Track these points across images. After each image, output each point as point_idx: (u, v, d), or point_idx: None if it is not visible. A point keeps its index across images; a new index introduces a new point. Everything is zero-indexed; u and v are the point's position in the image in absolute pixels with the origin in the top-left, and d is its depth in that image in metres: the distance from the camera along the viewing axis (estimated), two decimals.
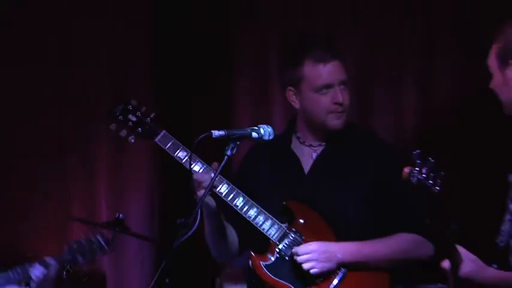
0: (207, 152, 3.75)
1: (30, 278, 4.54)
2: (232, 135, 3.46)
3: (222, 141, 3.45)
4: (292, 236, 3.80)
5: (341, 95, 3.83)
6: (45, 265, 4.52)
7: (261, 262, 3.81)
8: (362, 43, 5.36)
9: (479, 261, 3.21)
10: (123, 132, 3.91)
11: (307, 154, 3.92)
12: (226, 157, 3.41)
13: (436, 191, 2.98)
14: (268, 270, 3.79)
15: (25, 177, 5.76)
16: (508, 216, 3.31)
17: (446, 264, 3.17)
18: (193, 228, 3.31)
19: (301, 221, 3.83)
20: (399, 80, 5.33)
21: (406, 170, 2.98)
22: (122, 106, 3.93)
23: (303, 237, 3.78)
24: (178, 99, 5.81)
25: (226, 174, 3.75)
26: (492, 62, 3.31)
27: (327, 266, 3.73)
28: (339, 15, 5.42)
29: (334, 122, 3.78)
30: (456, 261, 3.16)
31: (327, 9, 5.46)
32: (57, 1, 5.91)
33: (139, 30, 5.80)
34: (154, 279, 3.37)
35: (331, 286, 3.75)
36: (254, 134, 3.50)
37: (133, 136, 3.92)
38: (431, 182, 2.98)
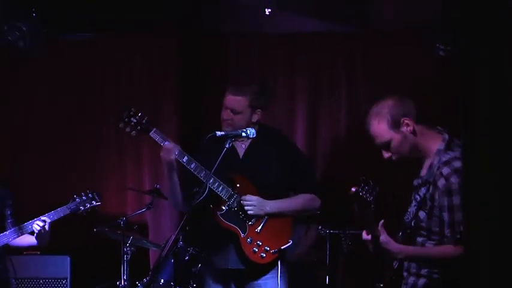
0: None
1: (33, 230, 5.16)
2: (229, 134, 4.34)
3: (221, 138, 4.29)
4: (235, 195, 4.60)
5: (225, 114, 4.64)
6: (42, 221, 5.15)
7: (217, 211, 4.61)
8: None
9: (390, 238, 3.77)
10: (128, 129, 4.60)
11: (240, 145, 4.73)
12: (225, 148, 4.25)
13: (369, 200, 3.70)
14: (221, 217, 4.61)
15: (92, 157, 6.92)
16: (413, 203, 3.89)
17: (367, 236, 3.83)
18: (204, 195, 4.30)
19: (238, 185, 4.62)
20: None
21: (353, 189, 3.69)
22: (127, 112, 4.61)
23: (241, 196, 4.62)
24: (193, 108, 6.79)
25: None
26: (383, 130, 3.80)
27: (258, 210, 4.62)
28: None
29: (225, 128, 4.59)
30: (376, 233, 3.78)
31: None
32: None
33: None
34: (179, 227, 4.23)
35: (257, 229, 4.63)
36: (243, 134, 4.39)
37: (134, 132, 4.61)
38: (367, 195, 3.70)
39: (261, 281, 4.67)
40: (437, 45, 5.47)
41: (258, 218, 4.64)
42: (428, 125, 3.83)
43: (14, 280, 5.58)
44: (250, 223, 4.64)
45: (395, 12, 5.76)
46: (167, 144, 4.54)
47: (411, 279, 3.87)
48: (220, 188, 4.58)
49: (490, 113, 2.44)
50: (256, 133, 4.46)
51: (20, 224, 5.21)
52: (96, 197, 5.33)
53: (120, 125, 4.63)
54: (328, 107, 6.82)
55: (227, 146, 4.26)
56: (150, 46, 6.95)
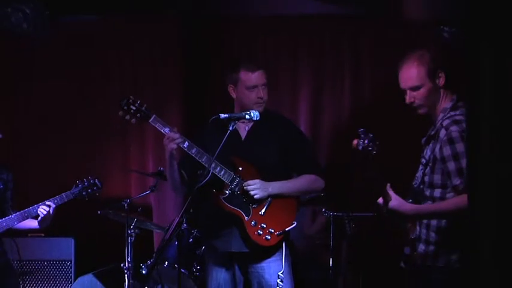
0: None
1: (37, 214, 5.25)
2: (233, 117, 4.34)
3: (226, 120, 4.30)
4: (237, 179, 4.60)
5: (262, 93, 4.67)
6: (47, 205, 5.24)
7: (220, 196, 4.61)
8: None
9: (401, 199, 3.83)
10: (128, 117, 4.60)
11: (242, 128, 4.74)
12: (229, 131, 4.23)
13: (373, 153, 3.71)
14: (225, 201, 4.62)
15: (95, 140, 6.93)
16: (420, 167, 3.97)
17: (380, 200, 3.86)
18: (207, 177, 4.29)
19: (240, 168, 4.64)
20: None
21: (355, 141, 3.72)
22: (126, 100, 4.60)
23: (244, 180, 4.62)
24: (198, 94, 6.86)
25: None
26: (420, 75, 3.86)
27: (263, 193, 4.61)
28: None
29: (258, 109, 4.56)
30: (386, 199, 3.82)
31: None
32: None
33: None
34: (183, 209, 4.20)
35: (261, 211, 4.63)
36: (247, 116, 4.40)
37: (134, 119, 4.61)
38: (370, 148, 3.70)
39: (264, 264, 4.68)
40: (442, 27, 5.50)
41: (261, 200, 4.64)
42: (453, 85, 3.91)
43: (18, 262, 5.71)
44: (253, 206, 4.65)
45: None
46: (170, 132, 4.54)
47: (421, 247, 3.89)
48: (222, 172, 4.58)
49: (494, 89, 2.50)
50: (259, 116, 4.46)
51: (22, 208, 5.26)
52: (98, 183, 5.46)
53: (119, 113, 4.63)
54: (333, 89, 6.83)
55: (230, 128, 4.27)
56: (153, 29, 6.94)
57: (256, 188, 4.60)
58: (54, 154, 6.90)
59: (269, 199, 4.65)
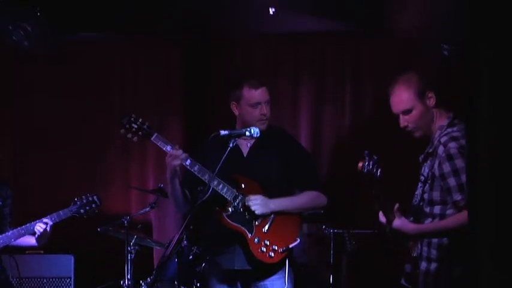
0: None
1: (34, 231, 5.16)
2: (233, 134, 4.33)
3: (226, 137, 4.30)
4: (240, 196, 4.58)
5: (265, 109, 4.66)
6: (44, 223, 5.16)
7: (223, 213, 4.59)
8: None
9: (405, 219, 3.87)
10: (129, 135, 4.59)
11: (244, 144, 4.71)
12: (229, 148, 4.24)
13: (378, 176, 3.75)
14: (227, 218, 4.59)
15: (96, 157, 6.96)
16: (419, 184, 3.99)
17: (382, 219, 3.92)
18: (207, 194, 4.25)
19: (243, 186, 4.61)
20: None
21: (360, 163, 3.76)
22: (127, 118, 4.60)
23: (246, 197, 4.59)
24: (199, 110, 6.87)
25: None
26: (409, 98, 3.90)
27: (264, 209, 4.59)
28: None
29: (261, 126, 4.59)
30: (389, 218, 3.88)
31: None
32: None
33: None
34: (183, 226, 4.28)
35: (265, 229, 4.61)
36: (247, 133, 4.40)
37: (136, 137, 4.60)
38: (375, 170, 3.75)
39: (267, 282, 4.64)
40: (442, 44, 5.49)
41: (264, 217, 4.62)
42: (446, 103, 3.93)
43: (17, 279, 5.65)
44: (256, 223, 4.63)
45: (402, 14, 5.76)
46: (172, 149, 4.52)
47: (423, 265, 3.88)
48: (225, 189, 4.57)
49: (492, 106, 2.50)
50: (261, 132, 4.46)
51: (21, 224, 5.22)
52: (96, 200, 5.37)
53: (121, 131, 4.62)
54: (333, 105, 6.84)
55: (231, 145, 4.26)
56: (154, 47, 6.97)
57: (257, 203, 4.59)
58: (55, 170, 6.91)
59: (272, 216, 4.64)
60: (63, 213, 5.24)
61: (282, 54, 6.92)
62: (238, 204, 4.61)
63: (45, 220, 5.16)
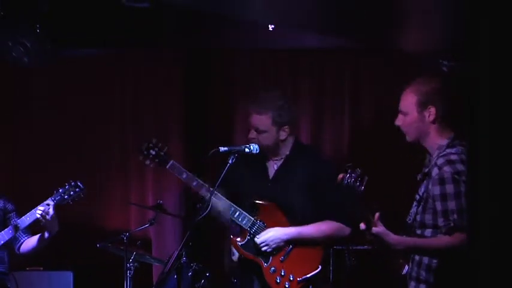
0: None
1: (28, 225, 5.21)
2: (233, 150, 4.33)
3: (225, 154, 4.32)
4: (258, 224, 4.56)
5: (251, 134, 4.60)
6: (43, 207, 5.16)
7: (238, 242, 4.60)
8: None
9: (386, 229, 3.79)
10: (147, 162, 4.72)
11: (272, 165, 4.67)
12: (228, 164, 4.24)
13: (358, 189, 3.70)
14: (242, 248, 4.58)
15: (95, 172, 6.94)
16: (414, 203, 3.95)
17: (362, 226, 3.81)
18: (206, 211, 4.22)
19: (262, 213, 4.58)
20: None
21: (340, 175, 3.71)
22: (146, 144, 4.71)
23: (265, 224, 4.56)
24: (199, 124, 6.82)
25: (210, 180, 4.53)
26: (411, 102, 3.88)
27: (277, 245, 4.51)
28: None
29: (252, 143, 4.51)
30: (369, 224, 3.78)
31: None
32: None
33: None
34: (182, 242, 4.33)
35: (281, 258, 4.54)
36: (247, 149, 4.41)
37: (153, 164, 4.72)
38: (357, 183, 3.69)
39: None
40: (441, 61, 5.44)
41: (280, 248, 4.55)
42: (446, 124, 3.88)
43: None
44: (274, 254, 4.57)
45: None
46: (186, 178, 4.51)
47: (412, 285, 3.85)
48: (241, 217, 4.54)
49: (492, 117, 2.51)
50: (290, 151, 4.48)
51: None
52: (80, 184, 5.28)
53: (140, 158, 4.71)
54: (332, 120, 6.83)
55: (230, 162, 4.23)
56: (154, 61, 6.97)
57: (266, 243, 4.52)
58: (53, 186, 6.55)
59: (290, 246, 4.56)
60: (47, 202, 5.16)
61: (280, 71, 6.94)
62: (255, 232, 4.55)
63: (39, 207, 5.12)
